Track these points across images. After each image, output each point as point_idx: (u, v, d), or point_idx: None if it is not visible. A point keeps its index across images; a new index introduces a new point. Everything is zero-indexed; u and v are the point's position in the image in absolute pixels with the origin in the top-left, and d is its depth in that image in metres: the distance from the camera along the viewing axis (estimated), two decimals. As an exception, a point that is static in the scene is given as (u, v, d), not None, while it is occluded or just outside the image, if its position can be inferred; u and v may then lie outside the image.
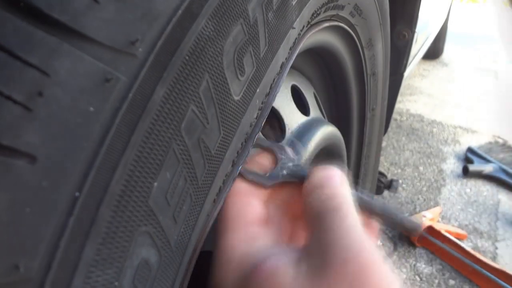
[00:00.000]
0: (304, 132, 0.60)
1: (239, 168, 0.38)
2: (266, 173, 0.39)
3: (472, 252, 1.56)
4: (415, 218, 0.37)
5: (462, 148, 2.48)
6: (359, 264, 0.29)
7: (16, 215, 0.19)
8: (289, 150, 0.40)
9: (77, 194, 0.21)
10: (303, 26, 0.45)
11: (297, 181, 0.38)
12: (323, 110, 0.74)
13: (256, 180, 0.38)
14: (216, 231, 0.36)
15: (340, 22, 0.62)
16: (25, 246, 0.19)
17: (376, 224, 0.38)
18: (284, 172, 0.39)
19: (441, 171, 2.25)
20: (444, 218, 1.87)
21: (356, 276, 0.28)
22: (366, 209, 0.37)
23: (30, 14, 0.20)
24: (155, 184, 0.25)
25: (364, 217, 0.36)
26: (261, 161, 0.40)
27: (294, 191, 0.39)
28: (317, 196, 0.34)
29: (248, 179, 0.38)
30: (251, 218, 0.37)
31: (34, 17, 0.20)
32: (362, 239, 0.30)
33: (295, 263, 0.31)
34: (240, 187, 0.38)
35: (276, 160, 0.40)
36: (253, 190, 0.38)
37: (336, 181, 0.35)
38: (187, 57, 0.26)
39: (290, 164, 0.39)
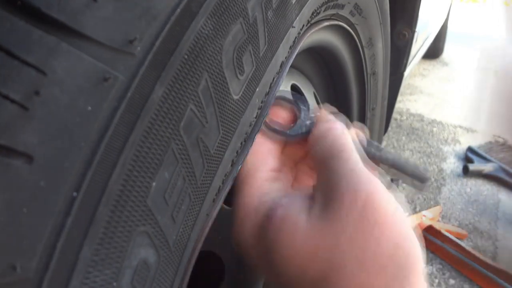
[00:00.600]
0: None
1: (264, 120, 0.40)
2: (288, 126, 0.42)
3: (472, 251, 1.56)
4: (422, 166, 0.39)
5: (462, 147, 2.48)
6: (366, 193, 0.31)
7: (13, 215, 0.19)
8: (307, 108, 0.43)
9: (75, 194, 0.21)
10: (303, 25, 0.45)
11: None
12: (323, 110, 0.74)
13: (280, 132, 0.41)
14: (234, 189, 0.39)
15: (340, 21, 0.61)
16: (22, 247, 0.19)
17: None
18: (304, 129, 0.41)
19: (441, 170, 2.25)
20: (444, 217, 1.87)
21: (365, 204, 0.30)
22: (375, 158, 0.39)
23: (28, 13, 0.20)
24: (154, 183, 0.25)
25: (371, 165, 0.38)
26: (284, 115, 0.43)
27: (305, 144, 0.42)
28: (321, 145, 0.37)
29: (271, 130, 0.41)
30: (267, 166, 0.40)
31: (32, 16, 0.20)
32: (365, 173, 0.33)
33: (307, 206, 0.33)
34: (258, 137, 0.40)
35: (297, 115, 0.42)
36: (271, 141, 0.41)
37: (337, 130, 0.38)
38: (186, 56, 0.26)
39: (308, 122, 0.42)
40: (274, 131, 0.41)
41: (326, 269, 0.30)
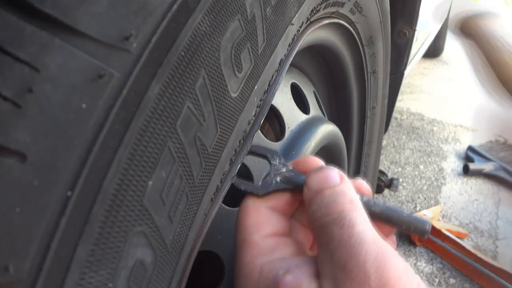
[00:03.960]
0: (304, 130, 0.60)
1: (233, 178, 0.37)
2: (258, 182, 0.37)
3: (473, 250, 1.56)
4: (422, 217, 0.37)
5: (462, 146, 2.47)
6: (379, 281, 0.27)
7: (6, 215, 0.18)
8: (279, 160, 0.39)
9: (69, 193, 0.20)
10: (302, 23, 0.45)
11: (291, 188, 0.37)
12: (323, 109, 0.74)
13: (249, 190, 0.37)
14: (234, 244, 0.36)
15: (340, 20, 0.61)
16: (15, 247, 0.19)
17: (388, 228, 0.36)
18: (278, 179, 0.37)
19: (441, 169, 2.24)
20: (444, 216, 1.87)
21: (378, 284, 0.27)
22: (368, 212, 0.34)
23: (20, 8, 0.20)
24: (150, 183, 0.25)
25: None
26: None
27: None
28: (318, 203, 0.32)
29: (241, 189, 0.37)
30: (267, 230, 0.35)
31: (24, 11, 0.20)
32: (378, 247, 0.28)
33: (316, 277, 0.30)
34: (254, 200, 0.37)
35: (269, 168, 0.38)
36: (267, 203, 0.37)
37: (334, 180, 0.33)
38: (182, 53, 0.25)
39: (284, 169, 0.38)
40: (242, 190, 0.37)
41: None
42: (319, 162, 0.39)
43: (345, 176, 0.34)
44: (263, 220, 0.36)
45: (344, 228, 0.29)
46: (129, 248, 0.24)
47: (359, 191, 0.36)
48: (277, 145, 0.55)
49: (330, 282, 0.29)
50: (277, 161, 0.38)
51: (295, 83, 0.65)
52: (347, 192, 0.32)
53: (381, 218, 0.35)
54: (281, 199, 0.37)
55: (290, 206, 0.38)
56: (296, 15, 0.41)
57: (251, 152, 0.40)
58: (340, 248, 0.29)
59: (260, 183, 0.37)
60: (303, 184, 0.35)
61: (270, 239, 0.35)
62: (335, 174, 0.33)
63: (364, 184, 0.38)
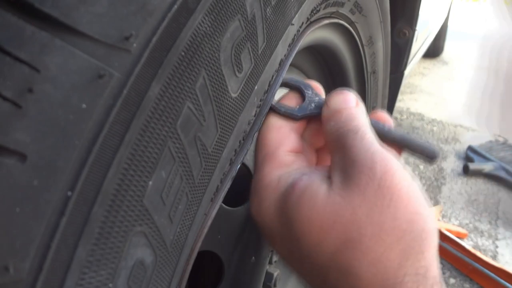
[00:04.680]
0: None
1: (271, 104, 0.40)
2: (296, 106, 0.41)
3: (473, 250, 1.56)
4: (432, 144, 0.40)
5: (462, 146, 2.47)
6: (381, 171, 0.32)
7: (6, 215, 0.18)
8: (314, 88, 0.43)
9: (69, 193, 0.20)
10: (302, 23, 0.45)
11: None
12: (323, 108, 0.74)
13: (288, 112, 0.41)
14: (255, 159, 0.40)
15: (340, 19, 0.61)
16: (15, 247, 0.19)
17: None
18: (312, 105, 0.41)
19: (441, 169, 2.24)
20: (444, 216, 1.87)
21: (380, 182, 0.32)
22: (384, 136, 0.39)
23: (20, 8, 0.20)
24: (150, 183, 0.25)
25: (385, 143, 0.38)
26: (291, 97, 0.43)
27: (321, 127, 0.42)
28: (336, 119, 0.37)
29: (280, 112, 0.41)
30: (287, 147, 0.40)
31: (24, 11, 0.20)
32: (380, 152, 0.33)
33: (327, 181, 0.34)
34: (276, 120, 0.41)
35: (303, 97, 0.42)
36: (288, 123, 0.41)
37: (352, 103, 0.38)
38: (183, 53, 0.25)
39: (317, 98, 0.42)
40: (281, 112, 0.41)
41: (342, 241, 0.31)
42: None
43: (360, 101, 0.39)
44: (284, 138, 0.40)
45: (357, 134, 0.35)
46: (129, 248, 0.24)
47: (381, 120, 0.41)
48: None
49: (342, 174, 0.34)
50: (310, 91, 0.43)
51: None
52: (360, 115, 0.37)
53: (399, 142, 0.40)
54: (301, 122, 0.42)
55: (303, 127, 0.43)
56: (296, 15, 0.41)
57: (286, 84, 0.44)
58: (352, 148, 0.34)
59: (297, 107, 0.41)
60: None
61: (289, 155, 0.40)
62: (352, 97, 0.39)
63: (385, 114, 0.43)
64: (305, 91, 0.43)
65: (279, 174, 0.38)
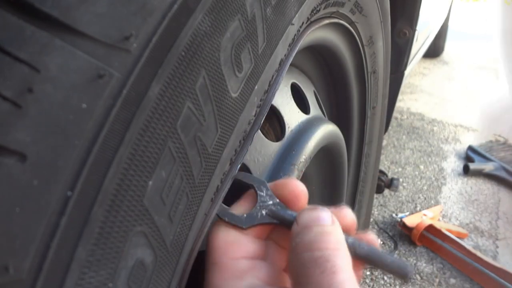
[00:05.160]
0: (304, 130, 0.60)
1: (216, 209, 0.35)
2: (243, 214, 0.35)
3: (473, 250, 1.56)
4: (404, 262, 0.37)
5: (462, 146, 2.47)
6: None
7: (6, 215, 0.18)
8: (267, 193, 0.37)
9: (69, 193, 0.20)
10: (303, 23, 0.45)
11: (277, 222, 0.36)
12: (323, 109, 0.74)
13: (232, 222, 0.35)
14: (204, 266, 0.34)
15: (341, 19, 0.61)
16: (15, 247, 0.19)
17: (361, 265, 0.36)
18: (264, 212, 0.36)
19: (441, 169, 2.24)
20: (444, 216, 1.87)
21: None
22: (352, 253, 0.34)
23: (20, 8, 0.20)
24: (150, 182, 0.25)
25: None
26: (245, 201, 0.37)
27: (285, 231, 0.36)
28: (305, 238, 0.31)
29: (224, 221, 0.35)
30: (239, 253, 0.34)
31: (24, 11, 0.20)
32: None
33: None
34: (226, 224, 0.35)
35: (256, 199, 0.36)
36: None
37: (327, 221, 0.32)
38: (183, 53, 0.25)
39: (271, 202, 0.36)
40: (225, 221, 0.35)
41: None
42: (300, 185, 0.37)
43: (336, 220, 0.33)
44: (237, 241, 0.34)
45: (325, 273, 0.28)
46: (129, 248, 0.24)
47: (343, 221, 0.35)
48: (277, 145, 0.55)
49: None
50: (264, 192, 0.37)
51: (295, 83, 0.65)
52: (335, 234, 0.31)
53: (365, 260, 0.35)
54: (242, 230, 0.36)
55: (266, 229, 0.37)
56: (296, 15, 0.41)
57: (239, 181, 0.38)
58: None
59: (245, 215, 0.35)
60: (289, 220, 0.34)
61: (241, 262, 0.33)
62: (327, 216, 0.33)
63: (349, 214, 0.37)
64: (258, 192, 0.37)
65: (230, 286, 0.32)
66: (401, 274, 0.34)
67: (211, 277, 0.33)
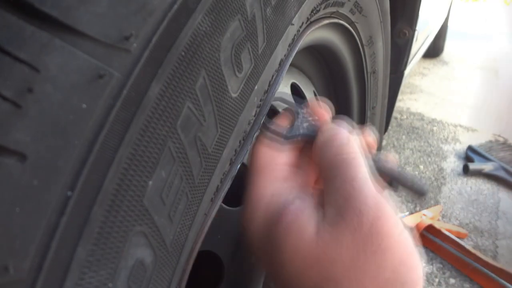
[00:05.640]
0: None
1: (261, 121, 0.39)
2: (285, 127, 0.40)
3: (473, 250, 1.56)
4: (422, 181, 0.41)
5: (462, 146, 2.47)
6: (372, 218, 0.31)
7: (6, 215, 0.18)
8: (307, 110, 0.42)
9: (69, 193, 0.20)
10: (302, 23, 0.45)
11: (314, 136, 0.40)
12: (323, 108, 0.74)
13: (274, 136, 0.39)
14: (249, 170, 0.39)
15: (340, 20, 0.61)
16: (15, 247, 0.19)
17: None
18: (301, 130, 0.40)
19: (441, 169, 2.24)
20: (444, 216, 1.87)
21: (370, 228, 0.31)
22: (376, 167, 0.38)
23: (20, 8, 0.20)
24: (150, 182, 0.25)
25: (377, 178, 0.37)
26: (286, 116, 0.42)
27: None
28: (326, 153, 0.36)
29: (268, 131, 0.39)
30: (282, 160, 0.39)
31: (24, 11, 0.20)
32: (372, 194, 0.32)
33: (317, 214, 0.34)
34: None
35: (296, 116, 0.41)
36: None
37: (343, 138, 0.37)
38: (183, 53, 0.25)
39: (307, 123, 0.40)
40: (270, 132, 0.40)
41: (323, 278, 0.31)
42: (323, 107, 0.43)
43: (352, 133, 0.38)
44: (278, 151, 0.39)
45: (351, 168, 0.34)
46: (129, 248, 0.24)
47: (365, 138, 0.40)
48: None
49: (333, 211, 0.33)
50: (304, 111, 0.41)
51: (295, 83, 0.65)
52: (356, 142, 0.36)
53: (388, 174, 0.39)
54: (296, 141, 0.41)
55: (300, 142, 0.41)
56: (296, 15, 0.41)
57: (281, 99, 0.43)
58: (346, 183, 0.33)
59: (285, 132, 0.40)
60: None
61: (283, 168, 0.39)
62: (344, 130, 0.38)
63: (370, 134, 0.42)
64: (298, 110, 0.41)
65: (272, 189, 0.37)
66: (418, 191, 0.38)
67: (257, 179, 0.38)
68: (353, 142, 0.36)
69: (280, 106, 0.43)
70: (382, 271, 0.31)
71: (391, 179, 0.39)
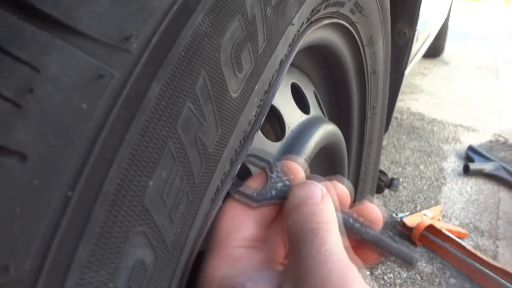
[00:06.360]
0: (304, 130, 0.60)
1: (230, 185, 0.36)
2: (253, 193, 0.36)
3: (473, 250, 1.56)
4: (410, 250, 0.37)
5: (462, 146, 2.47)
6: None
7: (7, 215, 0.18)
8: (281, 168, 0.38)
9: (69, 193, 0.20)
10: (303, 23, 0.45)
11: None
12: (323, 109, 0.74)
13: (243, 199, 0.36)
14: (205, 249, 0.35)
15: (341, 19, 0.61)
16: (16, 247, 0.19)
17: (368, 248, 0.36)
18: (273, 192, 0.37)
19: (441, 169, 2.24)
20: (445, 216, 1.87)
21: None
22: (356, 235, 0.35)
23: (21, 8, 0.20)
24: (151, 183, 0.25)
25: (351, 240, 0.34)
26: (256, 179, 0.38)
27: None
28: (296, 217, 0.32)
29: (235, 197, 0.36)
30: (241, 236, 0.35)
31: (25, 11, 0.20)
32: (341, 266, 0.28)
33: (280, 286, 0.30)
34: (233, 205, 0.36)
35: (267, 179, 0.38)
36: (247, 209, 0.36)
37: (317, 198, 0.33)
38: (183, 53, 0.25)
39: (280, 184, 0.37)
40: (236, 197, 0.36)
41: None
42: (296, 162, 0.39)
43: (327, 194, 0.34)
44: (238, 225, 0.35)
45: (313, 244, 0.29)
46: (129, 248, 0.24)
47: (337, 192, 0.37)
48: (277, 145, 0.55)
49: None
50: (275, 174, 0.38)
51: (295, 83, 0.65)
52: (325, 211, 0.32)
53: (372, 244, 0.35)
54: (264, 209, 0.37)
55: (270, 216, 0.38)
56: (297, 15, 0.41)
57: (254, 156, 0.39)
58: (305, 261, 0.29)
59: (255, 194, 0.36)
60: None
61: (240, 247, 0.35)
62: (317, 190, 0.34)
63: (341, 186, 0.38)
64: (269, 172, 0.38)
65: (223, 272, 0.33)
66: (407, 261, 0.35)
67: (209, 259, 0.34)
68: (325, 207, 0.32)
69: (253, 163, 0.39)
70: None
71: (376, 247, 0.35)
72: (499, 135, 2.60)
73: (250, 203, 0.36)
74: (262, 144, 0.52)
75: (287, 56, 0.42)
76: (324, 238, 0.30)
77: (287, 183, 0.37)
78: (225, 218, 0.36)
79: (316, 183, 0.35)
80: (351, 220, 0.35)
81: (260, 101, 0.38)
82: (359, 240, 0.35)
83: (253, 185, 0.37)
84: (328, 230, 0.30)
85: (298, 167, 0.39)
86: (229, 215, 0.36)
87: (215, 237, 0.35)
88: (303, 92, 0.67)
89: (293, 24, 0.41)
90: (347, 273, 0.28)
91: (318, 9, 0.48)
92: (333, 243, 0.30)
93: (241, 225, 0.35)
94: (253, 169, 0.45)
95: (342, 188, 0.38)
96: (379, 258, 0.36)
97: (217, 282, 0.32)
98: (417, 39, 1.20)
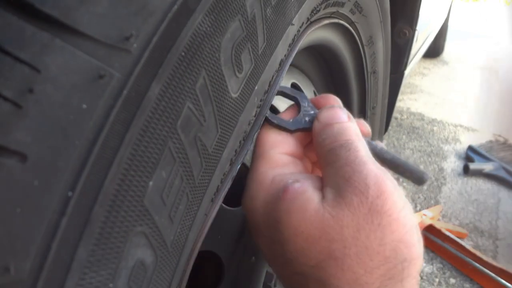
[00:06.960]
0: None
1: (266, 114, 0.40)
2: (290, 119, 0.41)
3: (473, 250, 1.56)
4: (422, 169, 0.43)
5: (462, 146, 2.47)
6: (375, 192, 0.32)
7: (6, 216, 0.18)
8: (307, 102, 0.43)
9: (69, 193, 0.20)
10: (303, 23, 0.45)
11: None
12: (323, 108, 0.74)
13: (280, 125, 0.40)
14: (252, 157, 0.41)
15: (341, 20, 0.61)
16: (16, 247, 0.19)
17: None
18: (307, 119, 0.41)
19: (441, 169, 2.24)
20: (444, 216, 1.87)
21: (372, 205, 0.32)
22: (375, 155, 0.38)
23: (21, 8, 0.20)
24: (151, 183, 0.25)
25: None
26: (290, 110, 0.43)
27: None
28: (327, 133, 0.37)
29: (272, 124, 0.40)
30: (284, 149, 0.40)
31: (25, 11, 0.20)
32: (374, 169, 0.33)
33: (320, 190, 0.35)
34: (274, 128, 0.41)
35: (299, 109, 0.42)
36: (286, 132, 0.41)
37: (343, 117, 0.38)
38: (183, 54, 0.25)
39: (312, 112, 0.42)
40: (275, 124, 0.40)
41: (325, 256, 0.32)
42: (336, 100, 0.44)
43: (352, 116, 0.39)
44: (281, 140, 0.41)
45: (350, 151, 0.35)
46: (129, 248, 0.24)
47: (360, 129, 0.41)
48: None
49: (333, 192, 0.33)
50: (306, 103, 0.42)
51: (295, 83, 0.65)
52: (353, 128, 0.37)
53: (389, 163, 0.40)
54: (299, 134, 0.42)
55: (305, 139, 0.43)
56: (296, 15, 0.41)
57: (283, 93, 0.44)
58: (346, 165, 0.34)
59: (291, 120, 0.41)
60: None
61: (284, 156, 0.40)
62: (344, 111, 0.39)
63: (365, 124, 0.43)
64: (301, 103, 0.42)
65: (273, 174, 0.38)
66: (419, 178, 0.39)
67: (258, 165, 0.39)
68: (350, 129, 0.37)
69: (287, 95, 0.44)
70: (383, 248, 0.31)
71: (389, 167, 0.40)
72: (499, 135, 2.60)
73: (289, 127, 0.41)
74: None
75: (287, 56, 0.42)
76: (358, 147, 0.35)
77: (317, 110, 0.42)
78: (269, 133, 0.41)
79: (341, 107, 0.40)
80: (373, 143, 0.41)
81: (260, 101, 0.38)
82: (380, 160, 0.39)
83: (286, 117, 0.42)
84: (358, 144, 0.35)
85: (327, 97, 0.44)
86: (272, 133, 0.41)
87: (261, 148, 0.40)
88: (303, 92, 0.67)
89: (293, 24, 0.41)
90: (382, 174, 0.33)
91: (318, 9, 0.48)
92: (363, 154, 0.35)
93: (283, 140, 0.41)
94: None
95: (363, 122, 0.43)
96: (394, 175, 0.41)
97: (269, 181, 0.37)
98: (417, 39, 1.20)
